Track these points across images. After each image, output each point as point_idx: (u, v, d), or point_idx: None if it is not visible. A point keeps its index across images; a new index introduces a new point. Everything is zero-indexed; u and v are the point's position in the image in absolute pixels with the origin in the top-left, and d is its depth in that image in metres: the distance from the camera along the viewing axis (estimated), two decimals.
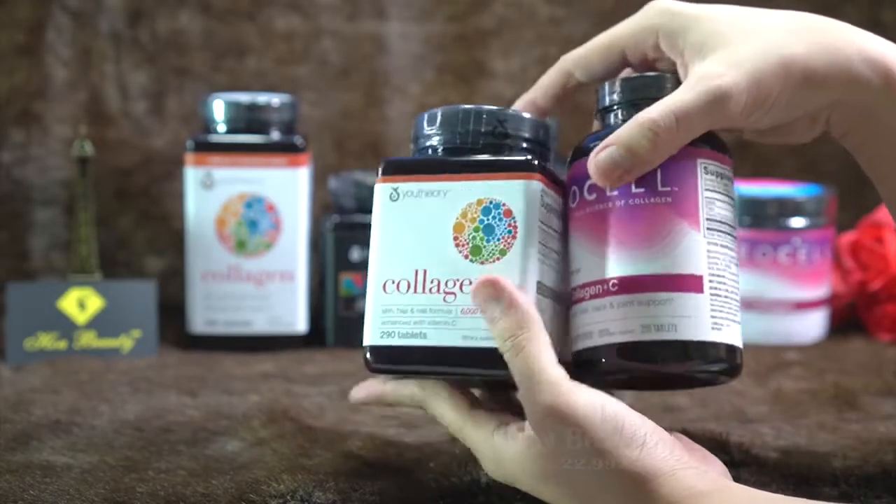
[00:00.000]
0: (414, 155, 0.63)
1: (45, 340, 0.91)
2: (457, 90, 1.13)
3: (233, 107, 0.94)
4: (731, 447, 0.68)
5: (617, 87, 0.62)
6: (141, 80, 1.11)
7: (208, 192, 0.93)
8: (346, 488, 0.63)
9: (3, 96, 1.09)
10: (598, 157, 0.59)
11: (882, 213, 1.01)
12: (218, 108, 0.94)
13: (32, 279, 1.08)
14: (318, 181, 0.99)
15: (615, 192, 0.60)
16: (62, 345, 0.91)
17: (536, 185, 0.59)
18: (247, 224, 0.94)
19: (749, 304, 0.98)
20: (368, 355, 0.61)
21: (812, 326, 0.99)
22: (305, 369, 0.89)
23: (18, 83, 1.09)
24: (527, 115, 0.63)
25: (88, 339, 0.91)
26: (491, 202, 0.59)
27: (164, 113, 1.11)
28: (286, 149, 0.94)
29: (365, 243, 0.94)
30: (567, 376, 0.56)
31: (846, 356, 0.94)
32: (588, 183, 0.60)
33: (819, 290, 0.98)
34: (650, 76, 0.62)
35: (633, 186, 0.59)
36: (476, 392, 0.63)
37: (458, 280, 0.59)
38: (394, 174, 0.61)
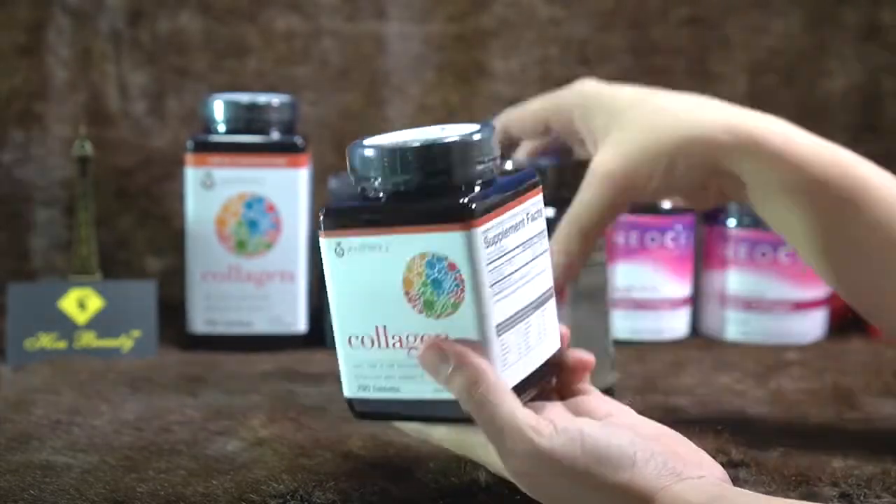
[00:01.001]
0: (356, 189, 0.60)
1: (46, 340, 0.91)
2: (457, 90, 1.13)
3: (233, 107, 0.94)
4: (731, 447, 0.68)
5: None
6: (141, 80, 1.11)
7: (208, 192, 0.93)
8: (346, 488, 0.63)
9: (3, 96, 1.09)
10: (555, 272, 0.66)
11: None
12: (218, 108, 0.94)
13: (33, 279, 1.08)
14: (318, 181, 0.99)
15: None
16: (62, 345, 0.91)
17: (477, 232, 0.56)
18: (247, 224, 0.93)
19: (749, 304, 0.98)
20: (350, 408, 0.62)
21: (812, 326, 0.99)
22: (305, 369, 0.89)
23: (19, 83, 1.09)
24: (462, 137, 0.58)
25: (88, 339, 0.91)
26: (434, 256, 0.57)
27: (165, 113, 1.11)
28: (286, 149, 0.94)
29: None
30: (534, 418, 0.56)
31: (846, 356, 0.94)
32: None
33: (819, 290, 0.98)
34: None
35: None
36: None
37: (417, 336, 0.58)
38: (335, 229, 0.58)
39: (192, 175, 0.93)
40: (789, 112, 1.19)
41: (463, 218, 0.56)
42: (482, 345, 0.57)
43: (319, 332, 0.96)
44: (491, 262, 0.57)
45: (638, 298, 0.98)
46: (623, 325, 0.96)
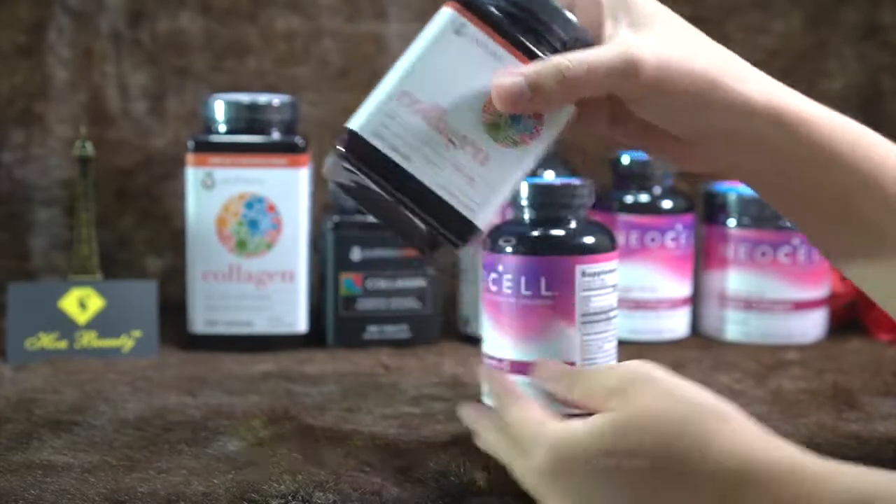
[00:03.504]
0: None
1: (46, 340, 0.91)
2: None
3: (233, 107, 0.94)
4: None
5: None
6: (141, 80, 1.11)
7: (209, 192, 0.93)
8: (346, 488, 0.63)
9: (3, 96, 1.09)
10: (504, 82, 0.61)
11: None
12: (218, 108, 0.94)
13: (33, 279, 1.08)
14: (319, 181, 0.99)
15: (509, 291, 0.71)
16: (63, 345, 0.91)
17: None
18: (247, 224, 0.94)
19: (749, 304, 0.98)
20: (346, 138, 0.60)
21: (812, 326, 0.99)
22: (305, 369, 0.89)
23: (19, 83, 1.09)
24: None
25: (89, 339, 0.91)
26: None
27: (165, 113, 1.11)
28: (286, 149, 0.94)
29: (365, 244, 0.95)
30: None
31: (846, 356, 0.94)
32: (491, 276, 0.72)
33: (818, 290, 0.98)
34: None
35: (522, 288, 0.71)
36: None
37: (467, 137, 0.60)
38: (474, 14, 0.61)
39: (193, 175, 0.93)
40: None
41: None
42: None
43: (319, 332, 0.96)
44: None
45: (638, 298, 0.98)
46: (623, 325, 0.96)
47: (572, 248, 0.72)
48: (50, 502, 0.61)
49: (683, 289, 0.99)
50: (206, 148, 0.93)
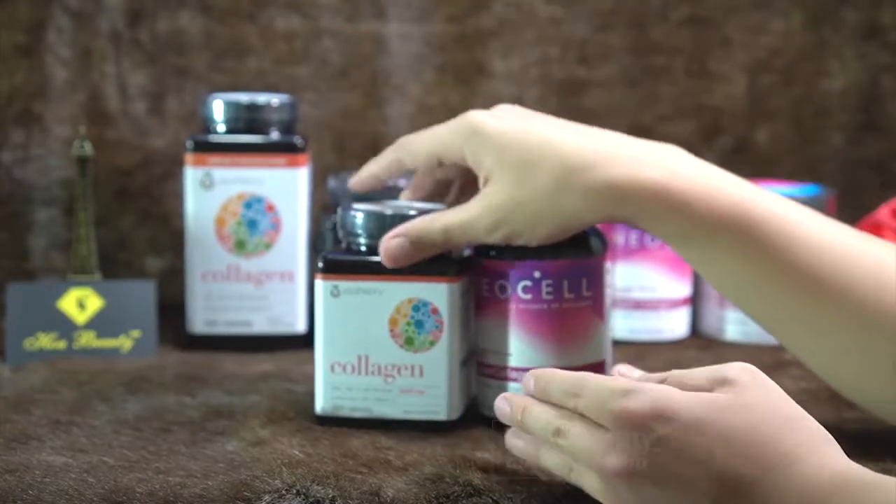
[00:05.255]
0: (344, 243, 0.74)
1: (45, 340, 0.91)
2: (457, 90, 1.13)
3: (232, 107, 0.94)
4: None
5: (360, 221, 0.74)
6: (141, 80, 1.11)
7: (208, 192, 0.93)
8: (345, 485, 0.63)
9: (3, 96, 1.09)
10: (390, 244, 0.71)
11: (882, 214, 1.01)
12: (218, 108, 0.94)
13: (32, 279, 1.08)
14: (318, 181, 0.99)
15: (549, 297, 0.72)
16: (62, 345, 0.91)
17: (456, 285, 0.72)
18: (246, 224, 0.93)
19: None
20: (319, 421, 0.74)
21: None
22: (305, 369, 0.88)
23: (18, 83, 1.09)
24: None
25: (88, 340, 0.91)
26: (419, 301, 0.71)
27: (164, 113, 1.11)
28: (286, 149, 0.94)
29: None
30: None
31: None
32: (521, 284, 0.72)
33: None
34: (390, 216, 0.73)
35: (566, 292, 0.72)
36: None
37: (395, 365, 0.72)
38: (336, 273, 0.72)
39: (192, 175, 0.93)
40: (789, 112, 1.20)
41: (447, 274, 0.72)
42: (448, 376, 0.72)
43: None
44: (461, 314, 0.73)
45: (638, 298, 0.98)
46: (623, 325, 0.96)
47: (601, 248, 0.74)
48: (48, 502, 0.61)
49: (683, 289, 0.99)
50: (206, 148, 0.93)
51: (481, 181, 0.73)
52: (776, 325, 0.72)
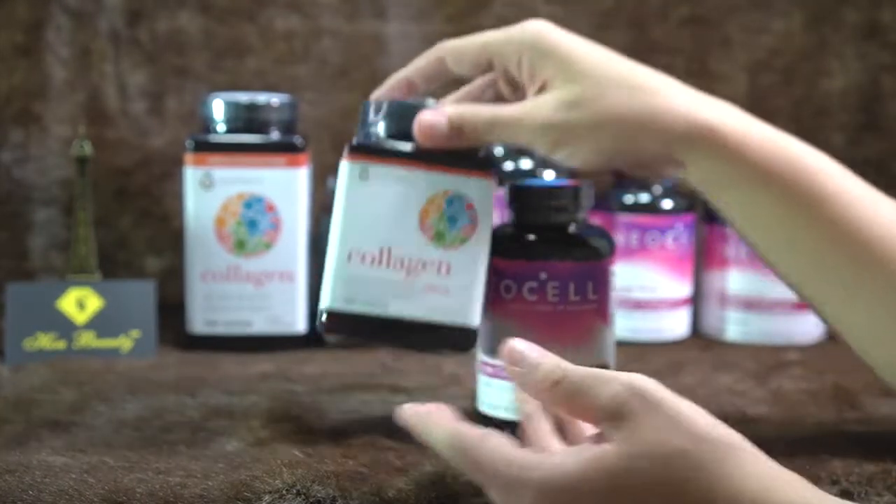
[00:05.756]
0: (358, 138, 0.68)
1: (45, 340, 0.91)
2: (457, 90, 1.13)
3: (232, 107, 0.94)
4: None
5: (383, 109, 0.69)
6: (140, 79, 1.11)
7: (208, 192, 0.93)
8: (345, 485, 0.63)
9: (2, 96, 1.09)
10: (429, 119, 0.67)
11: None
12: (217, 107, 0.94)
13: (31, 279, 1.08)
14: (318, 181, 0.99)
15: (555, 299, 0.70)
16: (61, 345, 0.91)
17: (493, 182, 0.67)
18: (246, 224, 0.93)
19: (749, 304, 0.98)
20: (325, 318, 0.66)
21: (812, 326, 0.98)
22: (305, 369, 0.88)
23: (18, 83, 1.09)
24: None
25: (88, 340, 0.91)
26: (454, 194, 0.66)
27: (164, 113, 1.11)
28: (286, 149, 0.94)
29: None
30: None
31: (846, 356, 0.93)
32: (527, 285, 0.70)
33: None
34: (412, 104, 0.69)
35: (571, 294, 0.70)
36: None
37: (422, 260, 0.65)
38: (366, 155, 0.66)
39: (192, 175, 0.93)
40: (789, 112, 1.19)
41: (485, 169, 0.67)
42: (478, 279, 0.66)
43: (319, 333, 0.96)
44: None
45: (638, 298, 0.98)
46: (623, 325, 0.96)
47: (608, 251, 0.73)
48: (48, 502, 0.61)
49: (683, 289, 0.99)
50: (205, 148, 0.93)
51: (533, 90, 0.68)
52: (808, 283, 0.67)
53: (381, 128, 0.68)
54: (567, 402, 0.55)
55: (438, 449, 0.57)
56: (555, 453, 0.55)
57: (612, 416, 0.52)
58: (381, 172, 0.66)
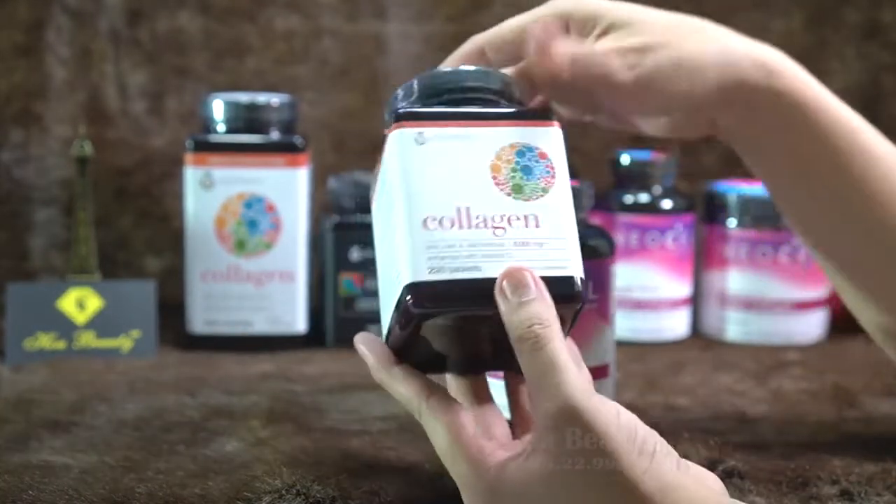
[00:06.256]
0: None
1: (45, 340, 0.91)
2: None
3: (232, 107, 0.94)
4: (732, 447, 0.68)
5: (416, 86, 0.63)
6: (140, 79, 1.11)
7: (208, 192, 0.93)
8: (345, 485, 0.63)
9: (2, 96, 1.09)
10: (552, 57, 0.63)
11: None
12: (217, 107, 0.94)
13: (32, 279, 1.08)
14: (318, 181, 0.99)
15: None
16: (61, 345, 0.91)
17: (560, 132, 0.60)
18: (246, 224, 0.93)
19: (749, 304, 0.98)
20: (410, 296, 0.56)
21: (812, 326, 0.99)
22: (305, 369, 0.88)
23: (18, 83, 1.09)
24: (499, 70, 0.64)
25: (88, 340, 0.91)
26: (524, 146, 0.59)
27: (164, 113, 1.11)
28: (286, 149, 0.94)
29: (364, 244, 0.95)
30: (589, 380, 0.55)
31: (846, 356, 0.94)
32: None
33: (819, 291, 0.98)
34: (443, 73, 0.64)
35: None
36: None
37: (505, 215, 0.57)
38: (417, 120, 0.59)
39: (192, 175, 0.93)
40: None
41: (549, 118, 0.60)
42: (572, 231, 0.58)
43: (319, 332, 0.96)
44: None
45: (638, 298, 0.98)
46: (623, 325, 0.96)
47: (608, 250, 0.73)
48: (48, 502, 0.61)
49: (683, 289, 0.99)
50: (205, 147, 0.93)
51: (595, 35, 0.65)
52: (823, 235, 0.66)
53: (418, 102, 0.62)
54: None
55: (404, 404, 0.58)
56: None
57: (547, 429, 0.53)
58: (439, 134, 0.59)
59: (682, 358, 0.93)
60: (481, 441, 0.56)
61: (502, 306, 0.54)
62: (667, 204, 0.98)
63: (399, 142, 0.59)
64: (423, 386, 0.58)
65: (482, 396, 0.61)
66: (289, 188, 0.94)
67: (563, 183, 0.59)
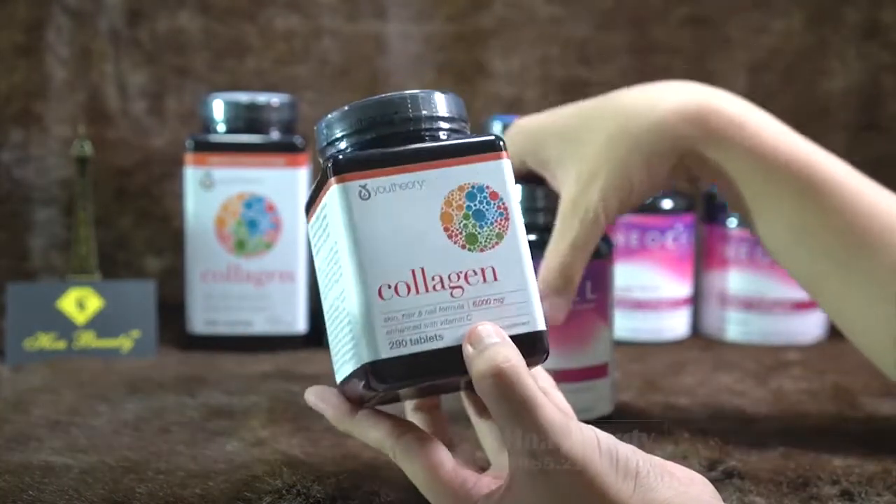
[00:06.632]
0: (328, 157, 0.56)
1: (45, 340, 0.91)
2: (457, 90, 1.13)
3: (232, 106, 0.94)
4: (732, 448, 0.68)
5: (348, 118, 0.57)
6: (140, 79, 1.11)
7: (208, 192, 0.93)
8: (346, 485, 0.63)
9: (2, 96, 1.09)
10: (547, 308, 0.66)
11: None
12: (217, 107, 0.94)
13: (32, 279, 1.08)
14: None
15: None
16: (61, 345, 0.91)
17: (509, 162, 0.56)
18: (246, 224, 0.93)
19: (749, 304, 0.98)
20: (372, 375, 0.53)
21: (812, 326, 0.99)
22: (305, 369, 0.88)
23: (18, 83, 1.09)
24: (442, 93, 0.58)
25: (88, 340, 0.91)
26: (474, 186, 0.55)
27: (164, 113, 1.11)
28: (286, 149, 0.94)
29: None
30: (564, 405, 0.57)
31: (846, 356, 0.94)
32: None
33: None
34: (375, 100, 0.57)
35: None
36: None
37: (461, 272, 0.54)
38: (357, 170, 0.54)
39: (192, 175, 0.93)
40: (789, 112, 1.19)
41: (497, 149, 0.56)
42: (528, 281, 0.55)
43: (319, 332, 0.96)
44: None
45: (638, 298, 0.98)
46: (623, 325, 0.96)
47: (607, 250, 0.73)
48: (48, 503, 0.61)
49: (683, 289, 0.99)
50: (205, 147, 0.93)
51: (551, 180, 0.71)
52: (813, 278, 0.70)
53: (353, 139, 0.56)
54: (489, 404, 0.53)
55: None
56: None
57: (514, 466, 0.53)
58: (383, 185, 0.54)
59: (682, 358, 0.93)
60: (462, 473, 0.55)
61: (467, 360, 0.53)
62: (667, 204, 0.98)
63: (342, 198, 0.54)
64: (392, 426, 0.56)
65: (439, 419, 0.62)
66: (289, 188, 0.94)
67: (516, 223, 0.55)
